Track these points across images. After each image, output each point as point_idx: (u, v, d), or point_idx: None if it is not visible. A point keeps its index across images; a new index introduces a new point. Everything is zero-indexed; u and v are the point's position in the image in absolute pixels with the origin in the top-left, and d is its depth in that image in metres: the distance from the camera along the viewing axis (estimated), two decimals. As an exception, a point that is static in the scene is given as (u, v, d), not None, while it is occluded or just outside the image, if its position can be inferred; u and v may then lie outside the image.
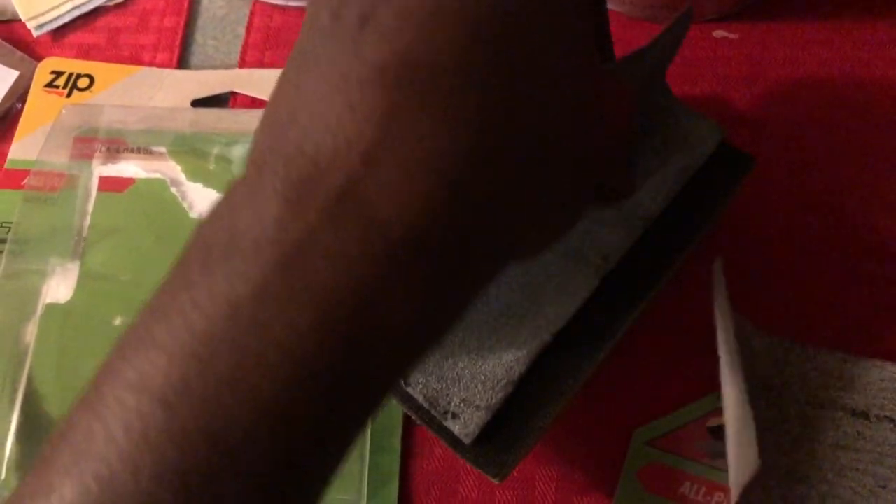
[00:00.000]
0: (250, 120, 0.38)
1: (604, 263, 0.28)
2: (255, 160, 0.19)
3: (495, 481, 0.27)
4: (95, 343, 0.34)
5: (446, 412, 0.27)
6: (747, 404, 0.27)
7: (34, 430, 0.32)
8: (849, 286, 0.33)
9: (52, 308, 0.35)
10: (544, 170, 0.20)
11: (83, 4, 0.42)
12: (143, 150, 0.38)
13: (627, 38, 0.38)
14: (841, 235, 0.34)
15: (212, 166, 0.37)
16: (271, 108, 0.20)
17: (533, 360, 0.27)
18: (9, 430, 0.32)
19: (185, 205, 0.37)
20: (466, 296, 0.20)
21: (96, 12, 0.42)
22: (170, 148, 0.38)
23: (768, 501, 0.29)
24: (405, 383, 0.28)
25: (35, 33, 0.42)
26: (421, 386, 0.27)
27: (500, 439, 0.27)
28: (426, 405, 0.27)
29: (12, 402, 0.33)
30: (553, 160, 0.20)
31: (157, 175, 0.37)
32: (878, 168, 0.35)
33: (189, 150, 0.38)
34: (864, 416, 0.31)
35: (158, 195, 0.37)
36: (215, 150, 0.38)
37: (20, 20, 0.42)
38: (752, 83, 0.36)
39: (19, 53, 0.41)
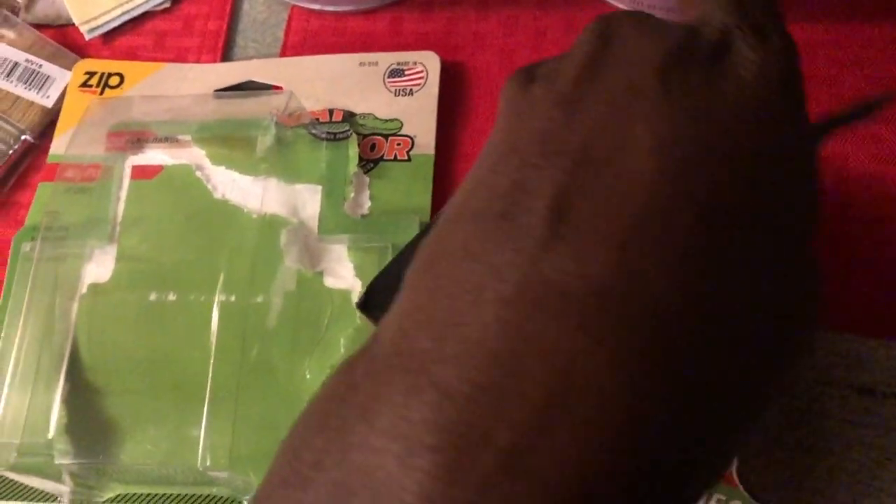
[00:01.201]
0: (269, 101, 0.40)
1: None
2: (386, 363, 0.17)
3: None
4: (132, 317, 0.36)
5: None
6: None
7: (78, 395, 0.35)
8: (856, 271, 0.34)
9: (93, 287, 0.37)
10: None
11: (132, 10, 0.44)
12: (170, 140, 0.40)
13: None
14: (848, 223, 0.35)
15: (233, 150, 0.40)
16: (409, 304, 0.18)
17: None
18: (55, 396, 0.35)
19: (209, 187, 0.39)
20: None
21: (144, 17, 0.45)
22: (195, 135, 0.40)
23: (776, 471, 0.31)
24: None
25: (87, 37, 0.44)
26: None
27: None
28: None
29: (58, 370, 0.35)
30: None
31: (183, 161, 0.40)
32: (885, 160, 0.37)
33: (212, 136, 0.40)
34: (871, 392, 0.32)
35: (185, 180, 0.39)
36: (237, 135, 0.40)
37: (73, 25, 0.44)
38: (765, 82, 0.39)
39: (73, 55, 0.44)
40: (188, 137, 0.40)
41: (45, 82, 0.43)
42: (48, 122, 0.42)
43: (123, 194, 0.39)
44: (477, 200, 0.18)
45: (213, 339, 0.35)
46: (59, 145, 0.41)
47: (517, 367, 0.15)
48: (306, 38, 0.43)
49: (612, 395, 0.15)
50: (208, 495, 0.34)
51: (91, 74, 0.43)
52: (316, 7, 0.44)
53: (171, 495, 0.35)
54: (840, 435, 0.32)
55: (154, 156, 0.40)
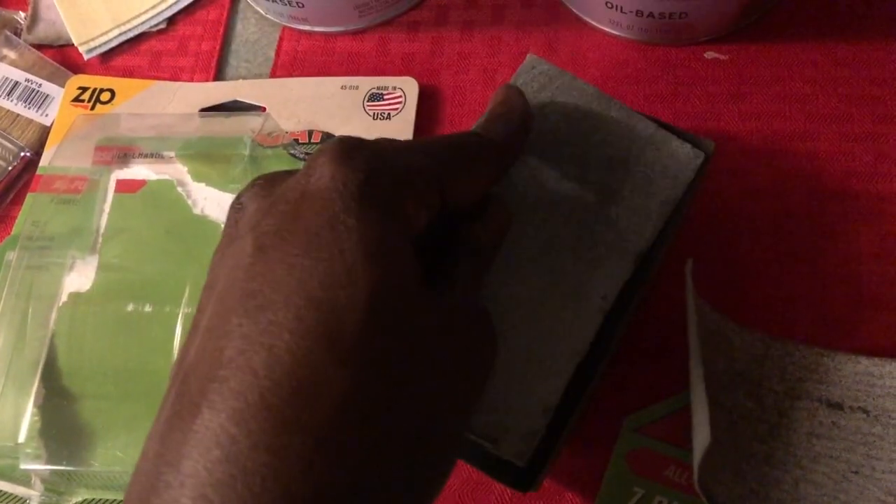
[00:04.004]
0: (247, 122, 0.41)
1: (604, 302, 0.29)
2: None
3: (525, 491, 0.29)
4: (109, 326, 0.37)
5: (491, 439, 0.28)
6: (704, 392, 0.29)
7: (54, 400, 0.36)
8: (827, 287, 0.34)
9: (73, 296, 0.38)
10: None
11: (129, 31, 0.46)
12: (155, 156, 0.41)
13: (627, 59, 0.41)
14: (820, 240, 0.35)
15: (213, 167, 0.41)
16: None
17: (562, 391, 0.28)
18: (28, 401, 0.35)
19: (189, 202, 0.40)
20: None
21: (140, 38, 0.46)
22: (178, 152, 0.41)
23: (743, 485, 0.31)
24: None
25: (86, 57, 0.46)
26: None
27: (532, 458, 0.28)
28: (471, 436, 0.28)
29: (33, 376, 0.36)
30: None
31: (166, 176, 0.40)
32: (857, 177, 0.37)
33: (195, 153, 0.41)
34: (839, 406, 0.32)
35: (167, 194, 0.40)
36: (217, 153, 0.41)
37: (73, 45, 0.46)
38: (741, 100, 0.39)
39: (72, 75, 0.45)
40: (172, 154, 0.41)
41: (44, 101, 0.44)
42: (46, 140, 0.44)
43: (107, 207, 0.40)
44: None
45: (175, 350, 0.36)
46: (48, 157, 0.42)
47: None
48: (296, 57, 0.44)
49: None
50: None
51: (83, 90, 0.44)
52: (306, 28, 0.45)
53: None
54: (807, 448, 0.32)
55: (138, 170, 0.41)
